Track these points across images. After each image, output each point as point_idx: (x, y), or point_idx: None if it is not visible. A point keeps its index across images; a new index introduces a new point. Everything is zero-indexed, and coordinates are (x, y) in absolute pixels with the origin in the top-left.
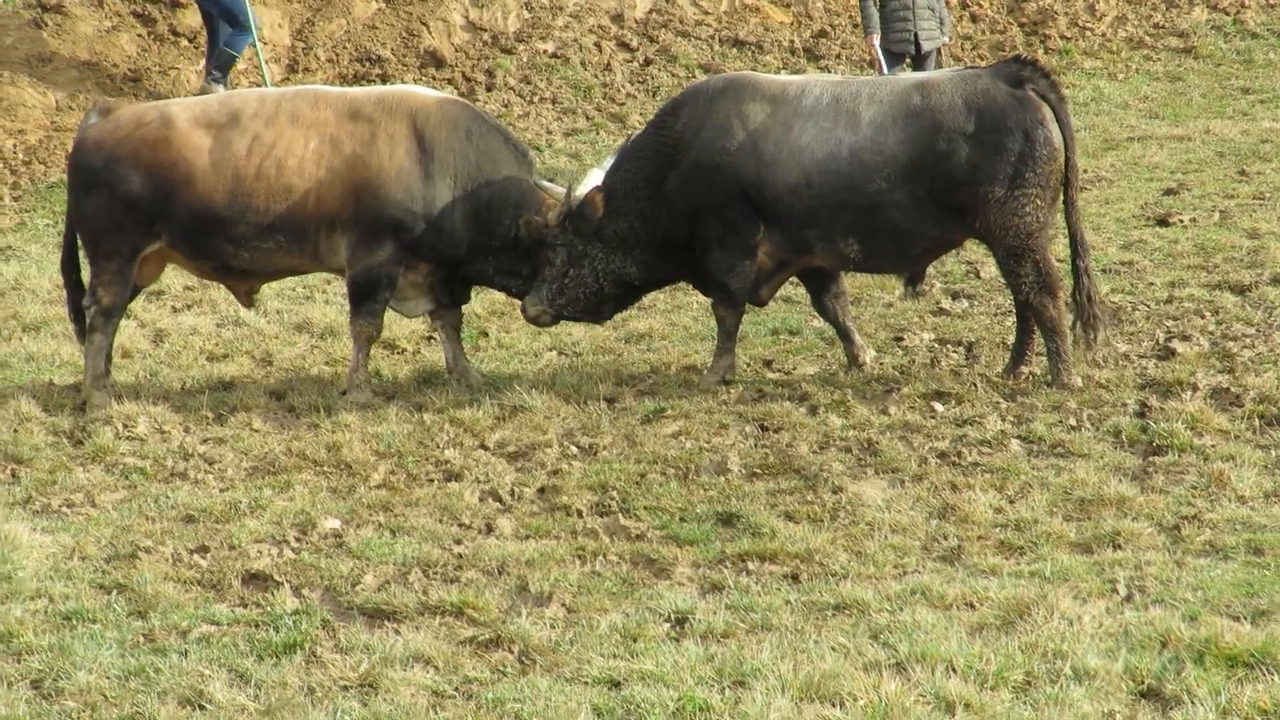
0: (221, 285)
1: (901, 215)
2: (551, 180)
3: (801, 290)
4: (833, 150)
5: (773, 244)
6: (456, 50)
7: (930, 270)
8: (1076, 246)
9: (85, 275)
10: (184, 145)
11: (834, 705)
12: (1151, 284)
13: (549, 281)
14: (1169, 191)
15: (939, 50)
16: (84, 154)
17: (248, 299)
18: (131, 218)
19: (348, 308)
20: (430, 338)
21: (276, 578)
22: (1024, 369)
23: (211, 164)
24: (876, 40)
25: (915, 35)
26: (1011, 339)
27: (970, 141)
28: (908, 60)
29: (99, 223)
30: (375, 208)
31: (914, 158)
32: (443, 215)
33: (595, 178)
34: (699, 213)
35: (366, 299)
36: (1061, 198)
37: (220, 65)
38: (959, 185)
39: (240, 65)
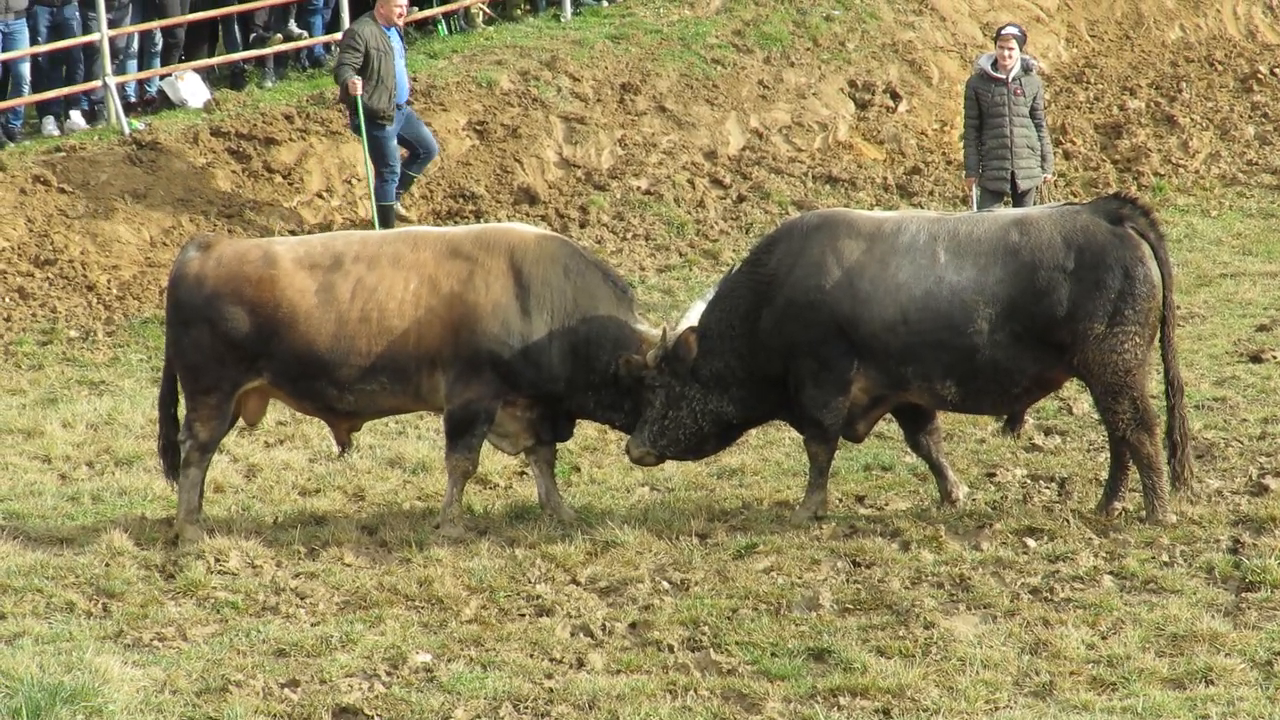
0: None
1: (1002, 354)
2: (646, 320)
3: (894, 426)
4: (931, 288)
5: (868, 380)
6: (550, 186)
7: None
8: (1171, 385)
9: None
10: (288, 286)
11: None
12: (1245, 420)
13: (650, 423)
14: (1262, 328)
15: (1037, 188)
16: (184, 289)
17: (347, 437)
18: (233, 354)
19: (444, 442)
20: (522, 472)
21: (367, 712)
22: (1118, 505)
23: (316, 306)
24: (975, 180)
25: (1012, 174)
26: (1104, 475)
27: (1070, 278)
28: (1006, 198)
29: (198, 358)
30: (472, 343)
31: (1013, 295)
32: (540, 350)
33: (697, 311)
34: (794, 350)
35: (464, 434)
36: (1159, 336)
37: (380, 220)
38: (1059, 323)
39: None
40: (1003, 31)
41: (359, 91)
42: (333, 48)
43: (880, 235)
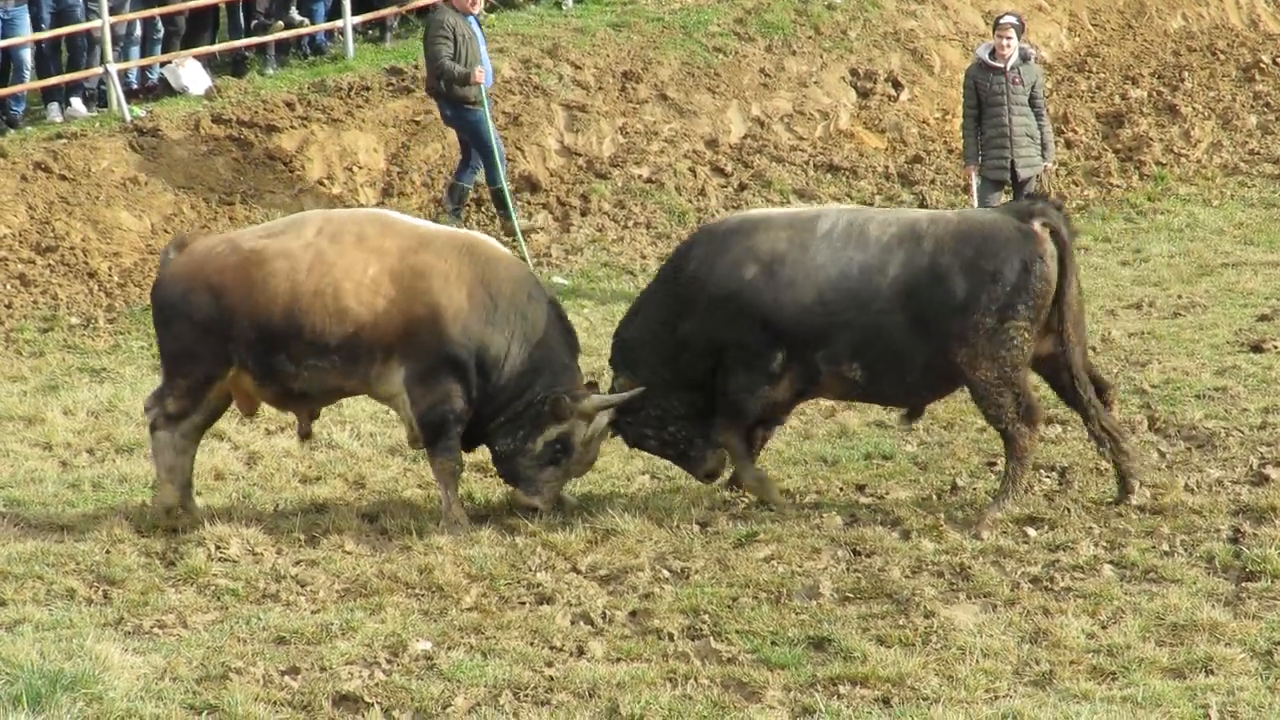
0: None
1: (900, 336)
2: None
3: (894, 415)
4: (844, 268)
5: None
6: (551, 175)
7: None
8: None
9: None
10: (247, 262)
11: None
12: (1245, 410)
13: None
14: (1263, 317)
15: (1038, 176)
16: (161, 288)
17: (308, 425)
18: (206, 343)
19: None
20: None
21: (367, 699)
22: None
23: (272, 274)
24: (975, 169)
25: (1012, 162)
26: (1104, 464)
27: (967, 269)
28: (1007, 187)
29: (176, 349)
30: (432, 344)
31: (914, 279)
32: (493, 365)
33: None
34: (722, 345)
35: (439, 436)
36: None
37: (496, 205)
38: (953, 311)
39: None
40: (1001, 20)
41: (483, 79)
42: (336, 35)
43: (798, 224)
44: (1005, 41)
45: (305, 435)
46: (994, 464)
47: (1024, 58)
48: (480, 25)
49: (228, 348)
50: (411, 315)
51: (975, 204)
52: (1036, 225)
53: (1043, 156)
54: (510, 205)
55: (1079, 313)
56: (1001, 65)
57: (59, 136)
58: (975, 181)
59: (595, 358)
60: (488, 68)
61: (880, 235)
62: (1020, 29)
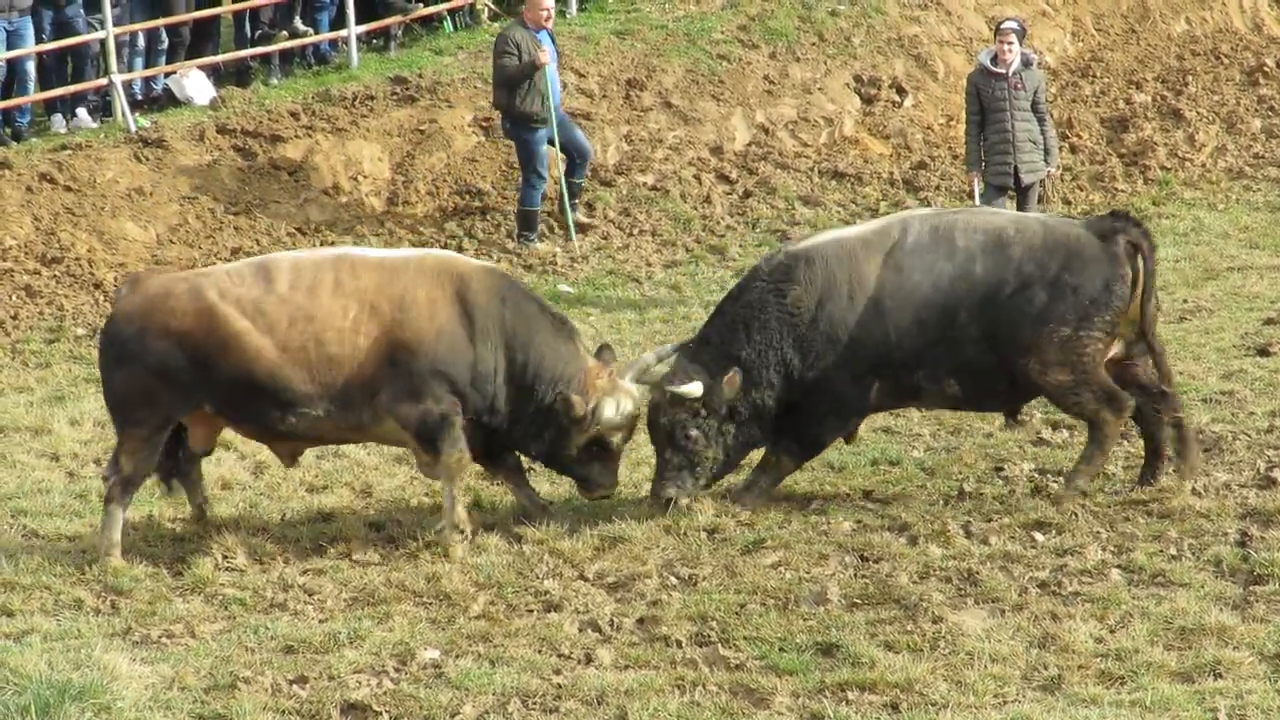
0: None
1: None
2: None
3: (901, 420)
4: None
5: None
6: (556, 183)
7: (1032, 400)
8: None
9: None
10: (219, 315)
11: None
12: (1252, 413)
13: (690, 468)
14: (1269, 321)
15: (1043, 181)
16: (113, 327)
17: (290, 458)
18: (164, 390)
19: (424, 460)
20: (532, 467)
21: (376, 708)
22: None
23: (253, 331)
24: (977, 176)
25: (1015, 168)
26: (1111, 468)
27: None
28: (1010, 193)
29: (127, 393)
30: (412, 366)
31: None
32: (485, 379)
33: (650, 360)
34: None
35: (438, 436)
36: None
37: (520, 223)
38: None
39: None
40: (1002, 26)
41: (547, 62)
42: (340, 44)
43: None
44: (1007, 47)
45: (289, 465)
46: (1001, 469)
47: (1026, 63)
48: (554, 41)
49: (193, 394)
50: (395, 343)
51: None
52: (1120, 244)
53: (1046, 161)
54: (534, 227)
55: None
56: (1004, 71)
57: (64, 148)
58: (978, 187)
59: None
60: (555, 84)
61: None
62: (1022, 34)
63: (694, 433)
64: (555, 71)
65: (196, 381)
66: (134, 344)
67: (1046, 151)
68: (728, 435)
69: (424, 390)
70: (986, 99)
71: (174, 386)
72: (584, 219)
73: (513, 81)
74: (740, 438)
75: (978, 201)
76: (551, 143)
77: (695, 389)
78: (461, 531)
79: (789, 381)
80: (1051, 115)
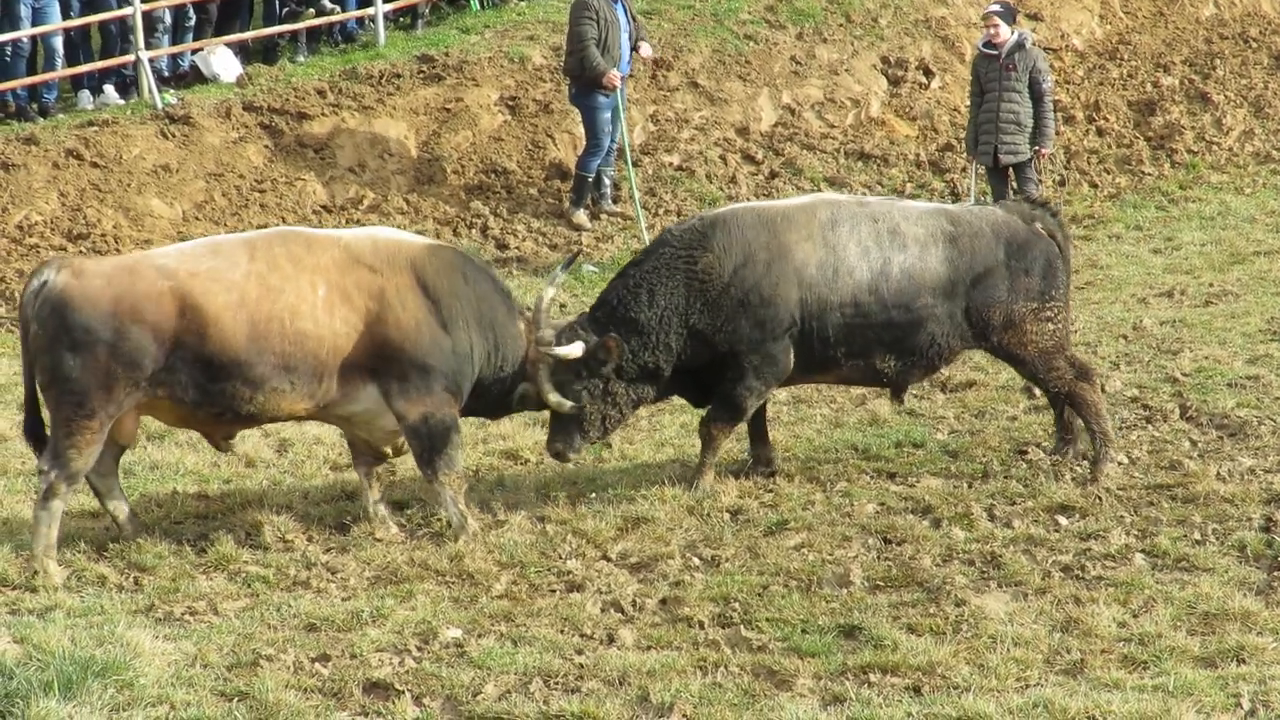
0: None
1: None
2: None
3: (925, 403)
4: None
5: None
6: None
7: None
8: None
9: None
10: (190, 294)
11: None
12: (1278, 398)
13: (578, 424)
14: None
15: (1030, 162)
16: (72, 312)
17: (225, 443)
18: (127, 376)
19: (420, 470)
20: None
21: (398, 686)
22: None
23: (224, 308)
24: (974, 159)
25: (994, 148)
26: (1136, 452)
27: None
28: (1011, 181)
29: (85, 382)
30: (403, 359)
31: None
32: (464, 359)
33: (550, 294)
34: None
35: (441, 448)
36: None
37: (574, 188)
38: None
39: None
40: (986, 11)
41: (618, 84)
42: (367, 22)
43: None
44: (993, 30)
45: (224, 450)
46: (1025, 452)
47: (1020, 44)
48: (626, 11)
49: (145, 377)
50: (380, 336)
51: (973, 191)
52: (1040, 228)
53: (1038, 142)
54: (600, 190)
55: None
56: (996, 53)
57: (91, 124)
58: (977, 169)
59: None
60: (626, 54)
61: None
62: (1008, 16)
63: (579, 390)
64: (626, 42)
65: (164, 365)
66: (96, 329)
67: (1040, 132)
68: (616, 394)
69: (425, 384)
70: (983, 81)
71: (137, 372)
72: (612, 206)
73: (589, 65)
74: (629, 396)
75: (973, 182)
76: (616, 115)
77: (574, 350)
78: (472, 531)
79: (700, 344)
80: (1050, 96)
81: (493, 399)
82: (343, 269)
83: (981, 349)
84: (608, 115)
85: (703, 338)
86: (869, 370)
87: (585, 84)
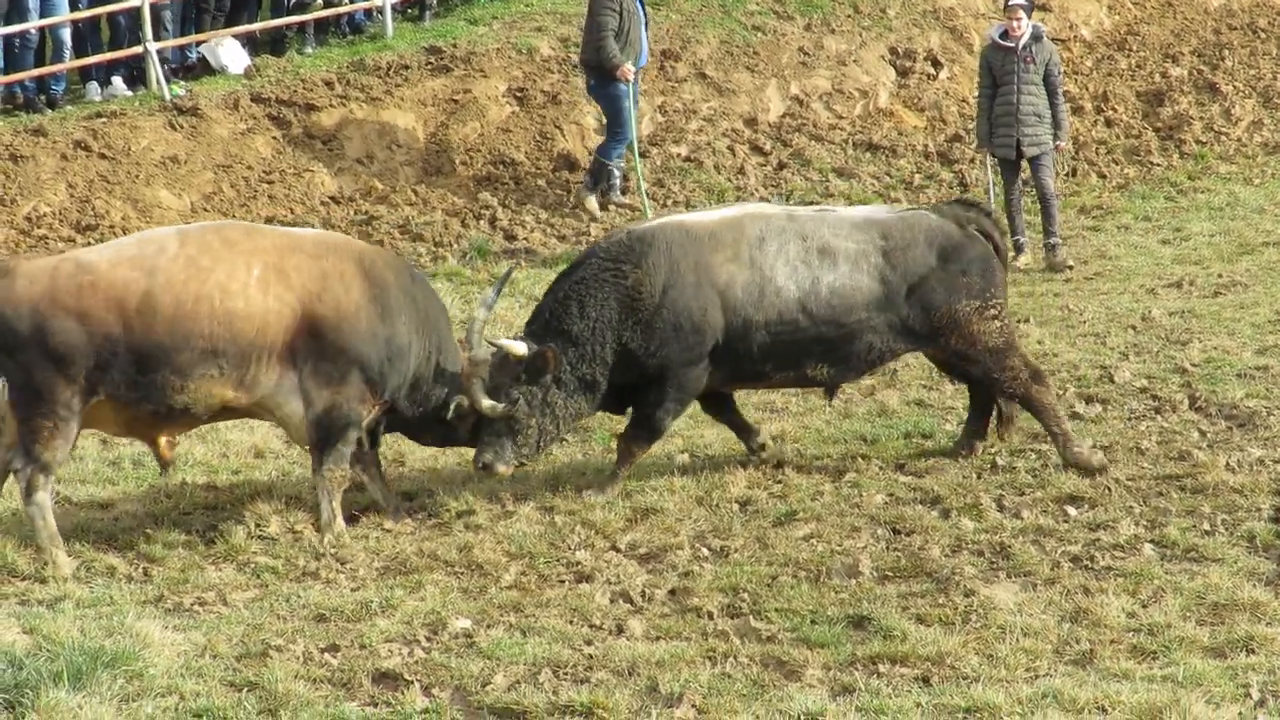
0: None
1: None
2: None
3: (934, 394)
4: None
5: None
6: (590, 153)
7: (1064, 375)
8: None
9: None
10: (112, 284)
11: None
12: None
13: (510, 435)
14: None
15: (1049, 155)
16: (5, 318)
17: (169, 453)
18: (68, 371)
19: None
20: (562, 438)
21: (407, 677)
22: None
23: (148, 292)
24: (989, 150)
25: (1017, 141)
26: (1145, 443)
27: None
28: (1025, 172)
29: (29, 382)
30: (338, 344)
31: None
32: (401, 355)
33: (482, 315)
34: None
35: (335, 441)
36: None
37: (592, 172)
38: None
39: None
40: (1011, 3)
41: (630, 78)
42: (375, 14)
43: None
44: (1015, 22)
45: (166, 466)
46: (1034, 443)
47: (1036, 36)
48: (644, 4)
49: (90, 375)
50: (314, 316)
51: (990, 184)
52: (973, 230)
53: (1056, 136)
54: (609, 182)
55: None
56: (1013, 45)
57: (99, 115)
58: (990, 161)
59: None
60: (644, 47)
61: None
62: (1029, 8)
63: (516, 400)
64: (645, 34)
65: (93, 357)
66: (21, 331)
67: (1056, 126)
68: (553, 405)
69: (342, 374)
70: (998, 73)
71: (72, 368)
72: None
73: (605, 57)
74: (566, 409)
75: (989, 175)
76: (636, 102)
77: (520, 346)
78: (338, 531)
79: (629, 362)
80: (1063, 89)
81: (430, 409)
82: (282, 252)
83: (931, 352)
84: (629, 103)
85: (633, 357)
86: (800, 378)
87: (605, 74)
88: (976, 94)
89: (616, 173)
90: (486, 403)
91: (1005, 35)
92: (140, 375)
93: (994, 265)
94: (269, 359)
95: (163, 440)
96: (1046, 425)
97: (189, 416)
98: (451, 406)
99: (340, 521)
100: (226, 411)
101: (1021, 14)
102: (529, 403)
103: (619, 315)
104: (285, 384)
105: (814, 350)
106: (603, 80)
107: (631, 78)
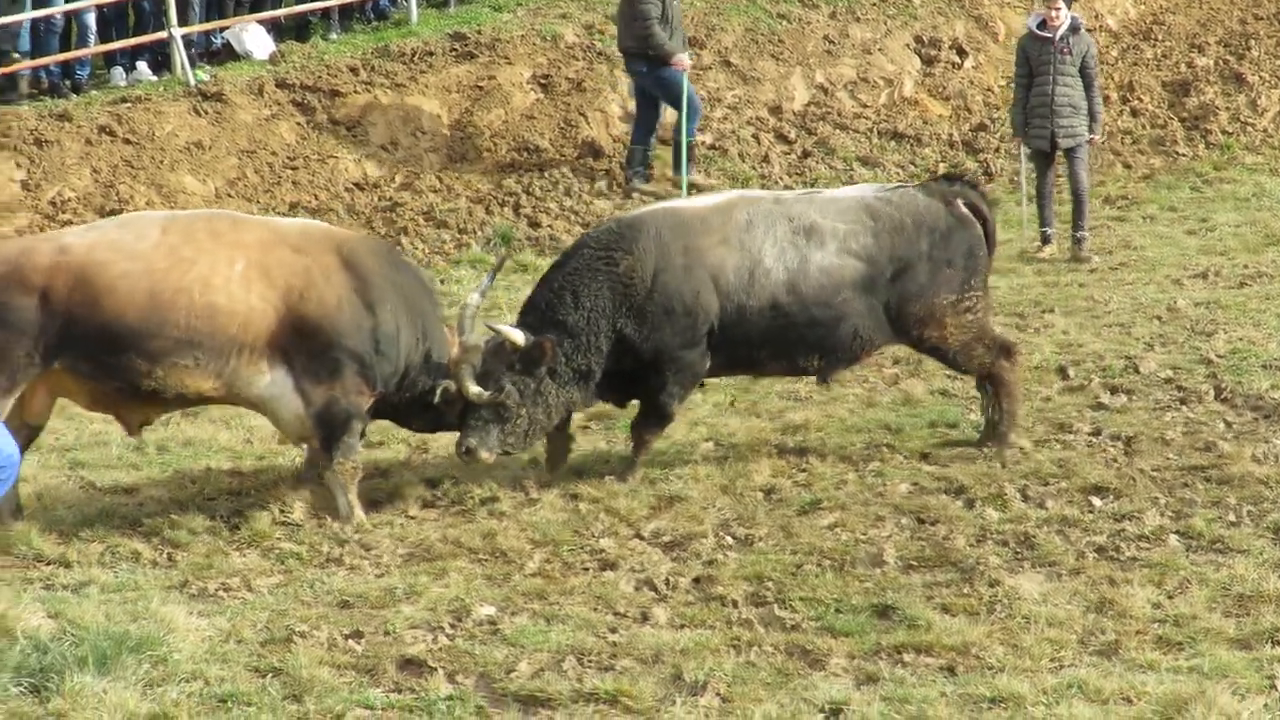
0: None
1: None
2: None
3: (959, 384)
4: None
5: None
6: (614, 140)
7: (1089, 365)
8: None
9: None
10: (87, 265)
11: None
12: None
13: (499, 423)
14: None
15: (1084, 148)
16: None
17: (138, 429)
18: (20, 348)
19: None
20: (587, 426)
21: (431, 664)
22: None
23: (123, 277)
24: (1021, 140)
25: (1052, 133)
26: (1170, 434)
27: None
28: (1060, 158)
29: None
30: (326, 340)
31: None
32: (390, 343)
33: (475, 301)
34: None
35: (340, 435)
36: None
37: (674, 155)
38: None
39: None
40: None
41: (687, 67)
42: (400, 0)
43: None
44: (1054, 12)
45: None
46: (1059, 432)
47: (1074, 28)
48: None
49: (44, 352)
50: (298, 313)
51: (1022, 174)
52: (961, 207)
53: (1090, 128)
54: (685, 164)
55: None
56: (1050, 35)
57: (123, 100)
58: (1024, 151)
59: None
60: (683, 33)
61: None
62: None
63: (507, 388)
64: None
65: (53, 335)
66: None
67: (1091, 117)
68: (545, 396)
69: (336, 368)
70: (1034, 63)
71: (25, 340)
72: (699, 178)
73: (654, 43)
74: (558, 400)
75: (1023, 166)
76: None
77: (518, 334)
78: (357, 522)
79: (625, 350)
80: (1099, 81)
81: (417, 394)
82: (266, 247)
83: (902, 343)
84: (683, 79)
85: (629, 344)
86: (793, 366)
87: (651, 60)
88: (1005, 84)
89: (646, 158)
90: (474, 389)
91: (1043, 25)
92: (106, 356)
93: (979, 253)
94: (251, 355)
95: (133, 420)
96: (999, 399)
97: (159, 400)
98: (438, 391)
99: (359, 512)
100: (210, 400)
101: (1061, 4)
102: (521, 392)
103: (613, 303)
104: (274, 381)
105: (807, 337)
106: (653, 65)
107: (687, 66)
